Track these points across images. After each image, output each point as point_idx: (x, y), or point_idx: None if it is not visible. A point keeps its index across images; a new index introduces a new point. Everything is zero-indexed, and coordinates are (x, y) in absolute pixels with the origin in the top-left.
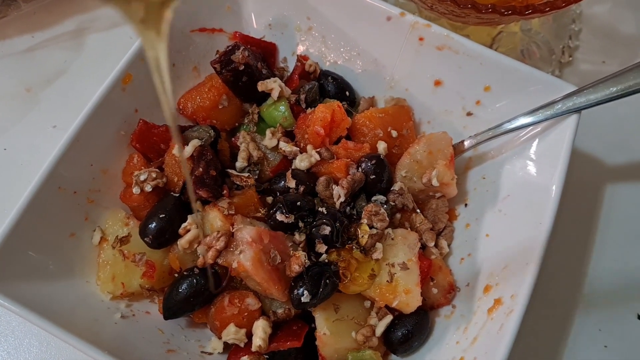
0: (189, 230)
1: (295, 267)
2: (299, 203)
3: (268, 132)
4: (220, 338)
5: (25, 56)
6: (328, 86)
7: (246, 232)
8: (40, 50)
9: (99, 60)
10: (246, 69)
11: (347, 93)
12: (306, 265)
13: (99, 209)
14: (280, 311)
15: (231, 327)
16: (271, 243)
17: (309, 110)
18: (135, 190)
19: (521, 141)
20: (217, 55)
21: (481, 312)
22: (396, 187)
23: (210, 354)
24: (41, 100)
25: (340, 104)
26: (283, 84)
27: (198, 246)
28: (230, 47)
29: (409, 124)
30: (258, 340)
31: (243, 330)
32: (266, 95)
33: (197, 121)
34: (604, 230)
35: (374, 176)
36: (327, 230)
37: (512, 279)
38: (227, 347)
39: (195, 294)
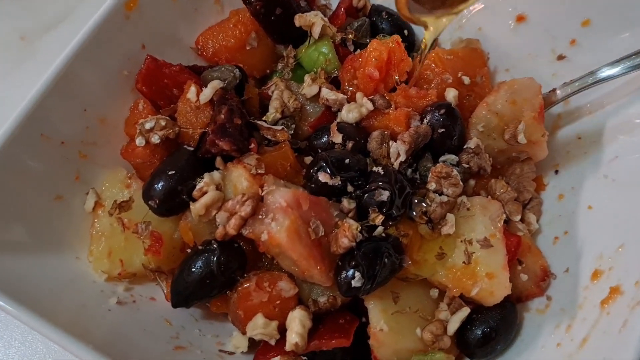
0: (206, 193)
1: (344, 241)
2: (347, 161)
3: (307, 78)
4: (244, 333)
5: (22, 1)
6: (381, 23)
7: (280, 195)
8: None
9: None
10: None
11: (406, 32)
12: (357, 240)
13: (93, 166)
14: (322, 300)
15: (259, 319)
16: (312, 210)
17: (357, 53)
18: (139, 141)
19: (630, 90)
20: None
21: (590, 304)
22: (471, 144)
23: (231, 353)
24: (38, 50)
25: (400, 40)
26: (326, 19)
27: (217, 213)
28: None
29: (483, 70)
30: (294, 337)
31: (274, 323)
32: (304, 34)
33: (218, 64)
34: None
35: (442, 129)
36: (384, 195)
37: (633, 261)
38: (253, 344)
39: (212, 275)
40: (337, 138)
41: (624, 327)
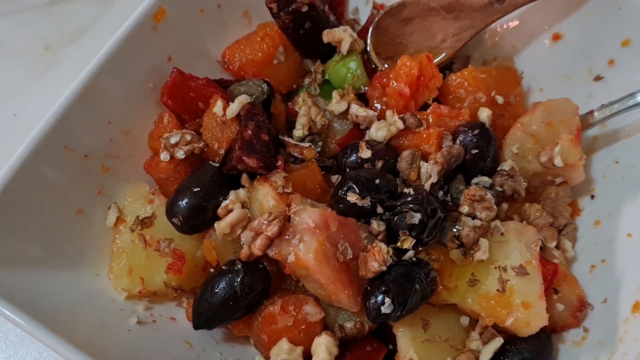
0: (231, 211)
1: (374, 265)
2: (377, 181)
3: (335, 94)
4: (267, 358)
5: (46, 11)
6: None
7: (307, 216)
8: (64, 5)
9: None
10: (310, 11)
11: None
12: (387, 264)
13: (116, 180)
14: (349, 325)
15: (283, 344)
16: (340, 232)
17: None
18: (164, 156)
19: None
20: None
21: (631, 338)
22: (505, 166)
23: None
24: (61, 60)
25: (430, 56)
26: (355, 35)
27: (242, 232)
28: None
29: (517, 90)
30: None
31: (299, 349)
32: (333, 49)
33: (244, 78)
34: None
35: (476, 150)
36: (416, 218)
37: None
38: None
39: (236, 297)
40: (366, 153)
41: None
